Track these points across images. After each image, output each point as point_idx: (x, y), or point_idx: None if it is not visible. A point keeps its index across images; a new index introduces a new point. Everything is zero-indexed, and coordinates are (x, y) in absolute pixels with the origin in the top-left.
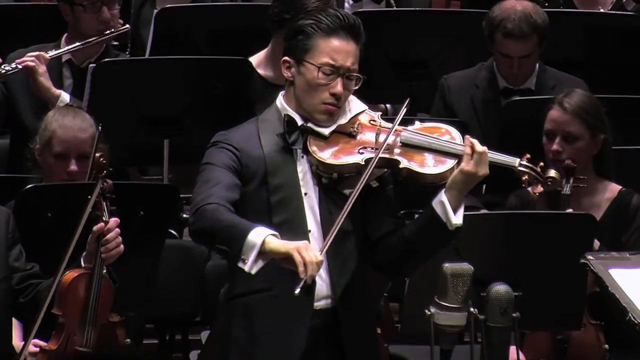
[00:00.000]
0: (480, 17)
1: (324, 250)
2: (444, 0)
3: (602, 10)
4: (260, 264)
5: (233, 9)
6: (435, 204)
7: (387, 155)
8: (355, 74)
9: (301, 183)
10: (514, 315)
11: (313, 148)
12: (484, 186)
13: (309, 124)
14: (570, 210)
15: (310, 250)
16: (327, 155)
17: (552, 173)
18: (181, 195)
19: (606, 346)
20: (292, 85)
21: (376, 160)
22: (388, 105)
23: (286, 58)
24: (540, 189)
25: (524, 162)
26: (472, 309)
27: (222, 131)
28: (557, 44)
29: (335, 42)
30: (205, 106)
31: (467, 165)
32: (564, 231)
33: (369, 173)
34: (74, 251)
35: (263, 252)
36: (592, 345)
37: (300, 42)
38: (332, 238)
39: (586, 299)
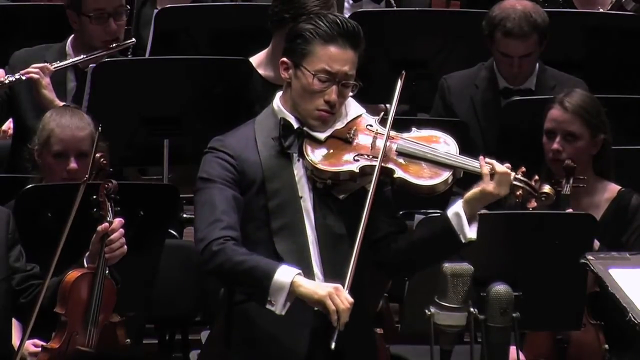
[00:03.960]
0: (480, 17)
1: (348, 287)
2: (444, 0)
3: (601, 10)
4: (288, 305)
5: (233, 9)
6: (451, 215)
7: (382, 164)
8: (351, 82)
9: (297, 186)
10: (514, 315)
11: (308, 153)
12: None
13: (305, 128)
14: (570, 210)
15: (341, 294)
16: (321, 161)
17: (547, 189)
18: (181, 195)
19: (606, 346)
20: (289, 87)
21: (378, 174)
22: (388, 105)
23: (284, 59)
24: (533, 204)
25: (519, 177)
26: (472, 309)
27: (218, 136)
28: (557, 44)
29: (333, 49)
30: (205, 106)
31: (488, 185)
32: (564, 231)
33: (374, 190)
34: (76, 251)
35: (291, 293)
36: (592, 345)
37: (298, 46)
38: (352, 273)
39: (586, 299)
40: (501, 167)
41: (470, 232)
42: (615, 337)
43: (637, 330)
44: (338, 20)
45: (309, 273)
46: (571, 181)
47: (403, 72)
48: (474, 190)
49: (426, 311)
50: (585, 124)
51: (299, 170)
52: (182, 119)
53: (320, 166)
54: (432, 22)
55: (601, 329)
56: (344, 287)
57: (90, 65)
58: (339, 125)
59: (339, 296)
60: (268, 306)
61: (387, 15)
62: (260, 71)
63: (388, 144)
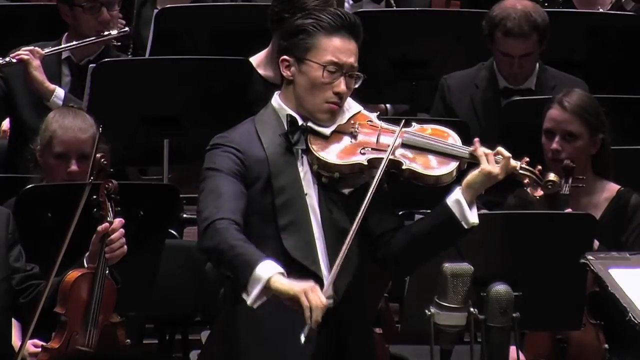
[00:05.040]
0: (480, 17)
1: (329, 287)
2: (444, 0)
3: (601, 10)
4: (263, 299)
5: (233, 9)
6: (451, 202)
7: (390, 157)
8: (356, 73)
9: (302, 183)
10: (514, 315)
11: (315, 148)
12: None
13: (309, 124)
14: (569, 210)
15: (317, 293)
16: (329, 155)
17: (552, 176)
18: (181, 195)
19: (606, 346)
20: (290, 85)
21: (385, 163)
22: (388, 106)
23: (285, 57)
24: (540, 192)
25: (524, 165)
26: (472, 309)
27: (221, 133)
28: (557, 44)
29: (338, 41)
30: (205, 106)
31: (486, 166)
32: (564, 231)
33: (379, 179)
34: (76, 251)
35: (267, 289)
36: (592, 345)
37: (301, 41)
38: (337, 272)
39: (586, 299)
40: (506, 152)
41: (472, 217)
42: (615, 337)
43: (637, 330)
44: (339, 13)
45: (316, 269)
46: (570, 181)
47: (404, 120)
48: (473, 172)
49: (426, 311)
50: (584, 123)
51: (303, 167)
52: (182, 119)
53: (329, 160)
54: (432, 22)
55: (601, 329)
56: (322, 288)
57: (90, 65)
58: (341, 121)
59: (314, 293)
60: (243, 295)
61: (387, 15)
62: (260, 71)
63: (393, 137)
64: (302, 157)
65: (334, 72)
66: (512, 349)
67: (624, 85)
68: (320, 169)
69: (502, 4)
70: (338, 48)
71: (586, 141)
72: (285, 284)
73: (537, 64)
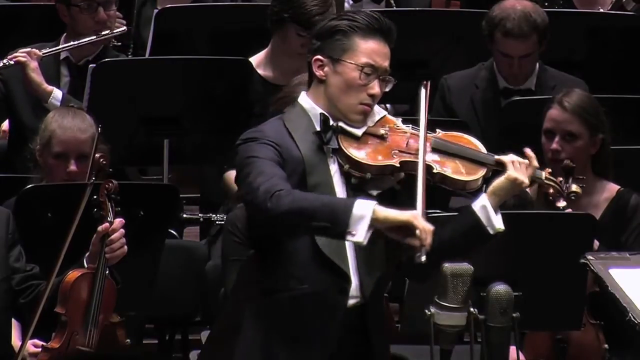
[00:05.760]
0: (480, 17)
1: (423, 214)
2: (444, 0)
3: (601, 10)
4: (370, 233)
5: (233, 9)
6: (477, 208)
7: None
8: (388, 77)
9: (333, 182)
10: (514, 315)
11: (348, 148)
12: (484, 187)
13: (341, 124)
14: (569, 210)
15: (423, 219)
16: (362, 156)
17: (574, 187)
18: (181, 195)
19: (606, 346)
20: (321, 84)
21: (423, 165)
22: (388, 106)
23: (319, 57)
24: (562, 203)
25: (548, 176)
26: (472, 309)
27: (252, 129)
28: (557, 44)
29: (374, 44)
30: (205, 106)
31: (512, 172)
32: (564, 231)
33: (423, 177)
34: (76, 251)
35: (372, 223)
36: (592, 345)
37: (337, 42)
38: (424, 204)
39: (586, 299)
40: (535, 162)
41: (498, 222)
42: (615, 337)
43: (637, 330)
44: (375, 16)
45: (344, 266)
46: (570, 181)
47: (427, 81)
48: (499, 179)
49: (426, 311)
50: (584, 123)
51: (334, 166)
52: (182, 119)
53: (362, 160)
54: (432, 22)
55: (601, 329)
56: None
57: (90, 65)
58: (371, 123)
59: (422, 219)
60: (348, 237)
61: (387, 15)
62: (260, 71)
63: (422, 141)
64: (332, 156)
65: (369, 74)
66: (512, 349)
67: (624, 85)
68: (352, 168)
69: (501, 4)
70: (375, 51)
71: (586, 141)
72: (393, 211)
73: (537, 64)
